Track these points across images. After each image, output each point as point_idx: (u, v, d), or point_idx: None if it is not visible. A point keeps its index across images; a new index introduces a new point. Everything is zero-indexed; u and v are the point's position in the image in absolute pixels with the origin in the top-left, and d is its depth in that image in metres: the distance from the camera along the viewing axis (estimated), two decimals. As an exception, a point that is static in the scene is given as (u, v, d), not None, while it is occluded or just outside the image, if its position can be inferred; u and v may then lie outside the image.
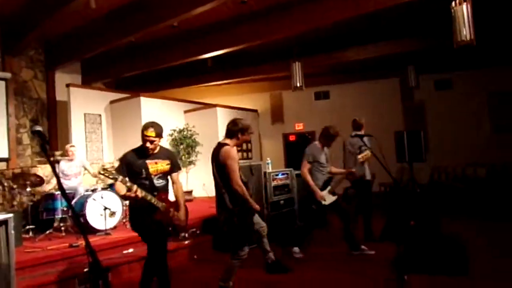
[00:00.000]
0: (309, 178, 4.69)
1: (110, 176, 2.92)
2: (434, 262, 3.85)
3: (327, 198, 4.68)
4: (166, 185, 3.30)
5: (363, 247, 4.73)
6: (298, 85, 7.83)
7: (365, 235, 5.36)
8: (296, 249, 4.78)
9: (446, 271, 3.78)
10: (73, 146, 6.13)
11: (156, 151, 3.23)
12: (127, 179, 2.99)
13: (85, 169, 6.08)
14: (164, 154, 3.29)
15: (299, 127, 11.24)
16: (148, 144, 3.12)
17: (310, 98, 11.04)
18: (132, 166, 3.11)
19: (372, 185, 5.71)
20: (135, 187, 2.96)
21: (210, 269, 4.54)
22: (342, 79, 10.58)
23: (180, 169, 3.43)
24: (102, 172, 2.93)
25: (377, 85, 10.24)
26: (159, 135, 3.16)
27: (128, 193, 2.95)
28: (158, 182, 3.19)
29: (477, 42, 4.91)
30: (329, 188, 4.73)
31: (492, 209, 6.74)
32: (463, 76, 9.54)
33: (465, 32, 4.84)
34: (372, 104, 10.01)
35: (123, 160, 3.18)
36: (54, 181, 5.61)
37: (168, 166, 3.28)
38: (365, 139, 4.40)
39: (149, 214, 3.08)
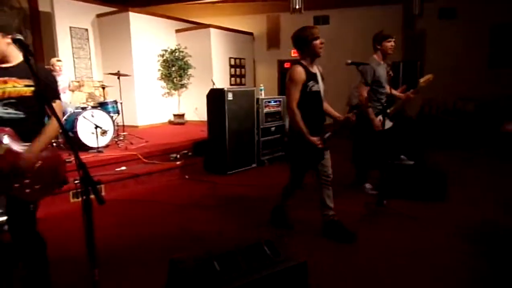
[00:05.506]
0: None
1: None
2: (414, 189, 4.05)
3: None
4: (24, 119, 2.08)
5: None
6: (297, 6, 7.42)
7: None
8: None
9: (423, 196, 4.00)
10: (60, 60, 5.89)
11: (12, 63, 2.10)
12: None
13: None
14: (26, 70, 1.93)
15: (295, 54, 10.82)
16: None
17: (309, 23, 10.50)
18: None
19: None
20: None
21: (200, 187, 4.76)
22: (343, 3, 10.00)
23: (57, 98, 2.19)
24: None
25: (379, 11, 9.71)
26: None
27: None
28: (4, 112, 2.04)
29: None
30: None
31: (478, 142, 6.95)
32: (467, 4, 9.04)
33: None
34: (372, 31, 9.55)
35: None
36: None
37: (28, 90, 2.08)
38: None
39: None
